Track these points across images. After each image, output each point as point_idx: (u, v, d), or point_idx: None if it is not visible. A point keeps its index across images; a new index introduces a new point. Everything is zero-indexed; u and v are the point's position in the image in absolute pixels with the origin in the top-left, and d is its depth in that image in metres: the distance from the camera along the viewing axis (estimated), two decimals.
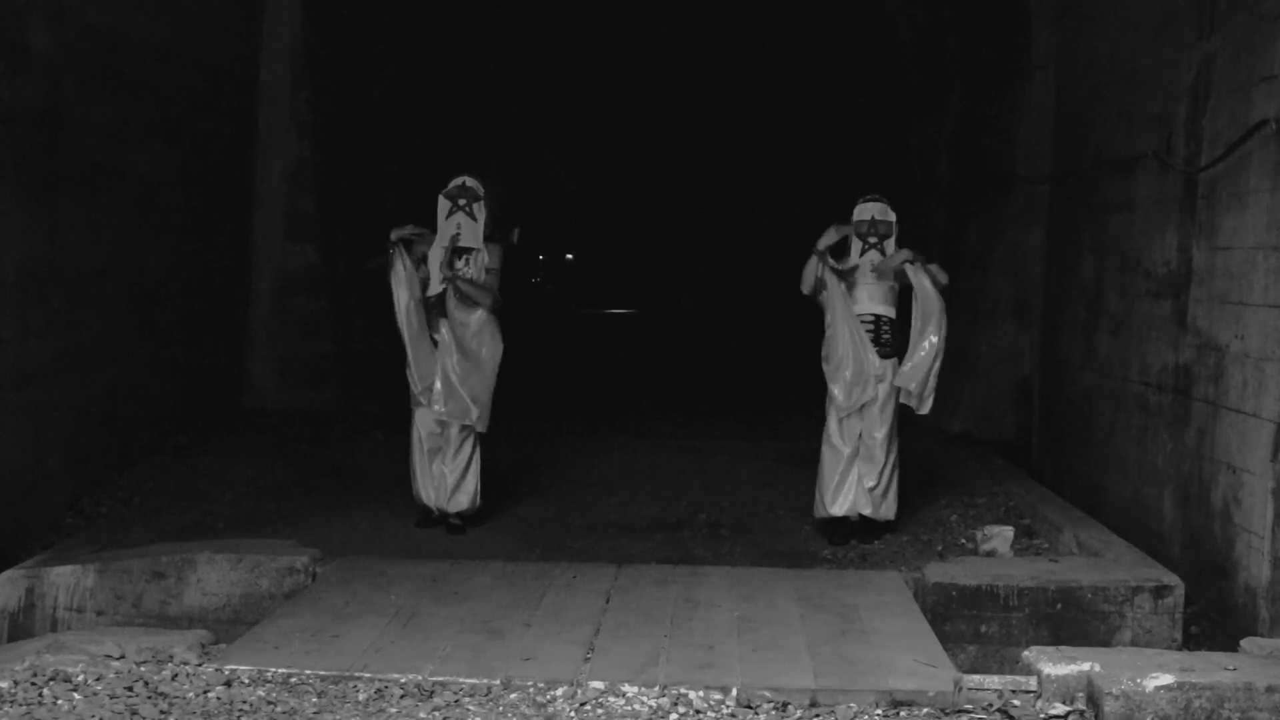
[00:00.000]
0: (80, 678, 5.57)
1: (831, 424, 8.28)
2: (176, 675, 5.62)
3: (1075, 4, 10.28)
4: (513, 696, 5.47)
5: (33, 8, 7.72)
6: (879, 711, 5.41)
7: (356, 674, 5.62)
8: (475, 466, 8.45)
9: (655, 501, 9.49)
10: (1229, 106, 7.22)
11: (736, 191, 25.45)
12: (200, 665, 5.73)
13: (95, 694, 5.42)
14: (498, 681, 5.57)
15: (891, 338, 8.22)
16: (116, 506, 8.46)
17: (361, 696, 5.45)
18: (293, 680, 5.60)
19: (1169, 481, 7.86)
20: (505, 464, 9.79)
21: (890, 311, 8.23)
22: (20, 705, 5.27)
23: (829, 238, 8.19)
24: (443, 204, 8.34)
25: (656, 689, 5.53)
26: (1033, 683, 5.55)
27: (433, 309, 8.28)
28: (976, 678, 5.65)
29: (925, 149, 13.94)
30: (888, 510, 8.30)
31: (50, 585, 6.89)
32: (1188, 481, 7.58)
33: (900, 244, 8.26)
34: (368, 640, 6.04)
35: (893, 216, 8.25)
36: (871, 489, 8.22)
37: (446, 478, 8.41)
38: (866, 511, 8.25)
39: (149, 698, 5.38)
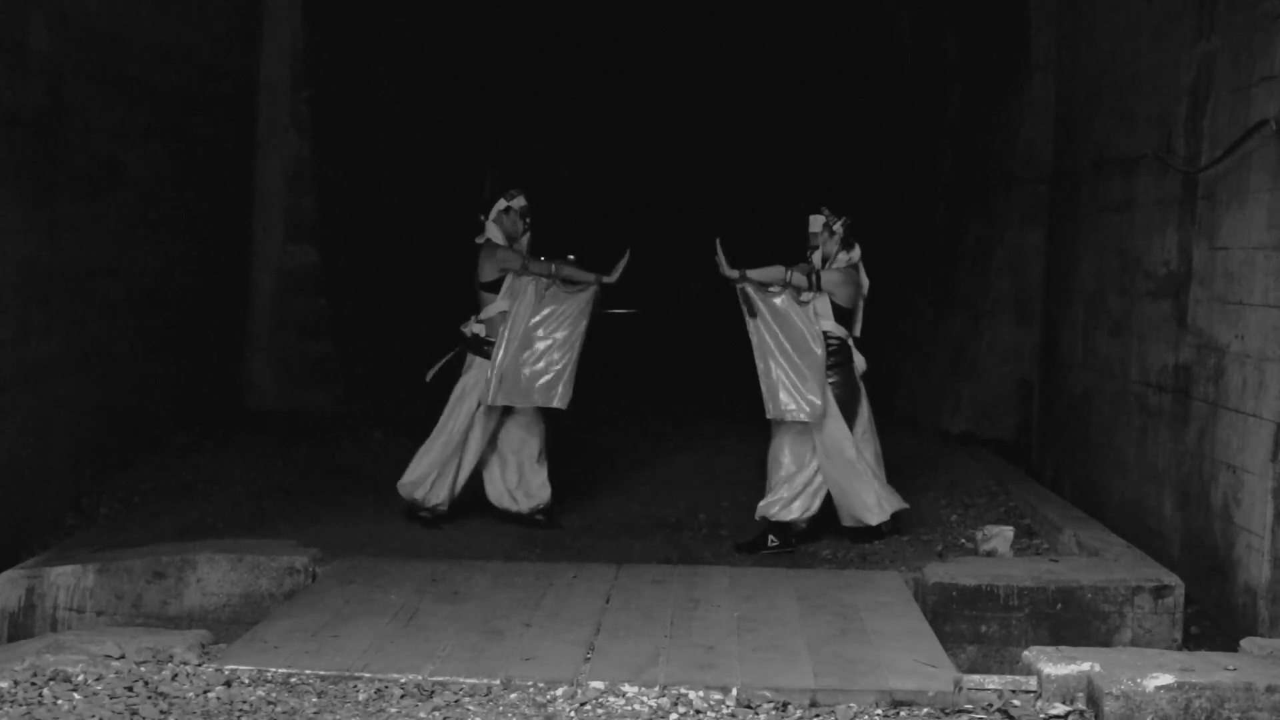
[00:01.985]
0: (80, 678, 5.57)
1: None
2: (176, 675, 5.62)
3: (1075, 4, 10.28)
4: (513, 696, 5.47)
5: (33, 8, 7.72)
6: (879, 711, 5.41)
7: (356, 674, 5.62)
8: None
9: (655, 501, 9.49)
10: (1229, 106, 7.22)
11: (736, 191, 25.44)
12: (200, 665, 5.72)
13: (95, 694, 5.42)
14: (498, 681, 5.58)
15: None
16: (116, 506, 8.46)
17: (361, 696, 5.45)
18: (293, 680, 5.60)
19: (1169, 481, 7.86)
20: None
21: (824, 325, 8.07)
22: (20, 705, 5.27)
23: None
24: (513, 220, 8.39)
25: (656, 689, 5.53)
26: (1033, 683, 5.55)
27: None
28: (976, 678, 5.65)
29: (925, 149, 13.94)
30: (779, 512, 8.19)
31: (50, 585, 6.89)
32: (1188, 481, 7.58)
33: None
34: (368, 640, 6.04)
35: (817, 226, 8.18)
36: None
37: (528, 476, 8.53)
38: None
39: (149, 698, 5.38)
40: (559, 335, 8.26)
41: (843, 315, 8.11)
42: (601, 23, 19.63)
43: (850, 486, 8.10)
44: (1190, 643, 6.82)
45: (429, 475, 8.45)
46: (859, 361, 8.19)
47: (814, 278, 8.04)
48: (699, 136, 25.36)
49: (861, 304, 8.25)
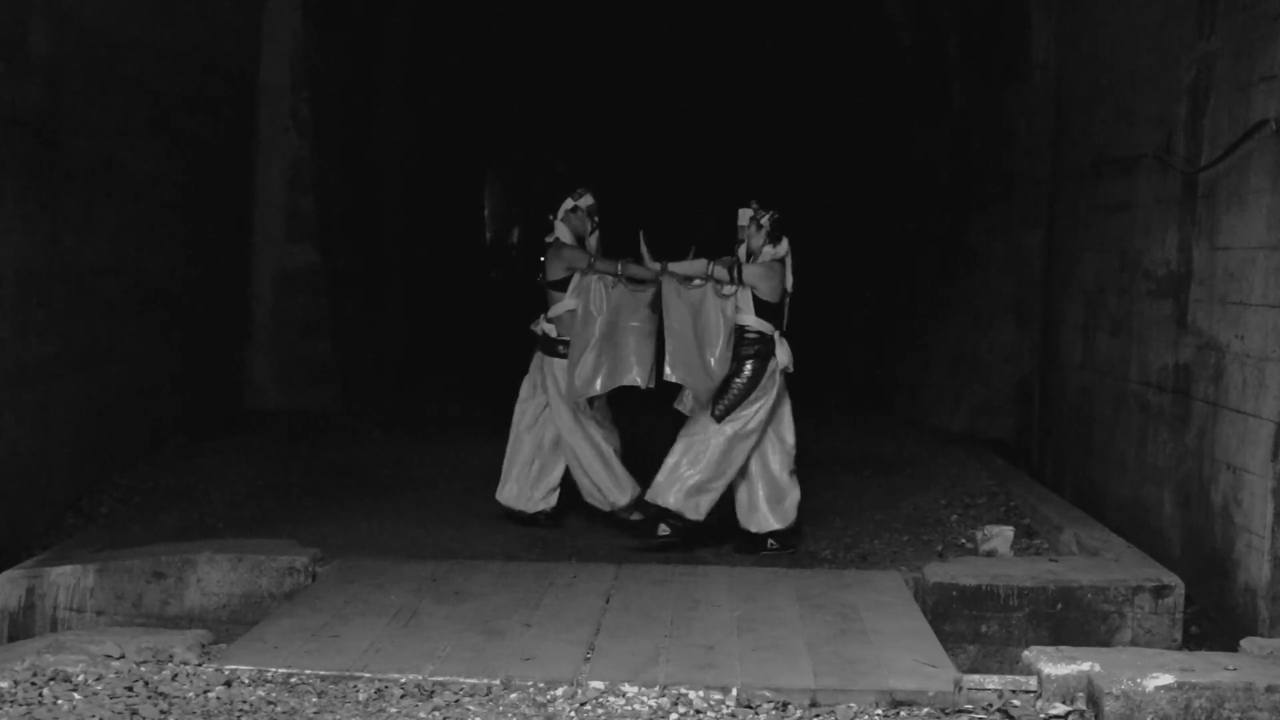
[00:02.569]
0: (80, 678, 5.57)
1: None
2: (176, 675, 5.62)
3: (1074, 4, 10.28)
4: (513, 696, 5.47)
5: (33, 8, 7.72)
6: (879, 711, 5.41)
7: (356, 674, 5.62)
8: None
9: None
10: (1229, 106, 7.22)
11: (735, 193, 25.43)
12: (200, 665, 5.73)
13: (95, 694, 5.42)
14: (498, 681, 5.58)
15: (739, 348, 7.99)
16: (116, 506, 8.47)
17: (361, 696, 5.45)
18: (293, 680, 5.60)
19: (1169, 481, 7.86)
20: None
21: (745, 319, 8.00)
22: (20, 705, 5.27)
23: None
24: (586, 220, 8.44)
25: (656, 689, 5.53)
26: (1033, 683, 5.55)
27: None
28: (976, 678, 5.65)
29: (925, 149, 13.94)
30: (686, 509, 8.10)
31: (50, 585, 6.89)
32: (1188, 481, 7.58)
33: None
34: (368, 640, 6.04)
35: (744, 220, 8.14)
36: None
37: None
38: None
39: (149, 698, 5.39)
40: (635, 324, 8.25)
41: (765, 309, 8.02)
42: (601, 23, 19.64)
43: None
44: (1190, 643, 6.82)
45: (520, 480, 8.53)
46: (782, 357, 8.05)
47: (735, 271, 8.01)
48: (699, 137, 25.37)
49: (787, 300, 8.16)
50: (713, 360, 7.92)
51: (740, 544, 8.20)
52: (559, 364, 8.36)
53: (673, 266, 8.12)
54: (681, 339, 7.95)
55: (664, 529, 8.06)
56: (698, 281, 8.07)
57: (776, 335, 8.06)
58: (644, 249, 8.17)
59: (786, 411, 8.22)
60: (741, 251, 8.11)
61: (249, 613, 6.90)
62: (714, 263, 8.05)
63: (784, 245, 8.12)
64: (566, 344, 8.32)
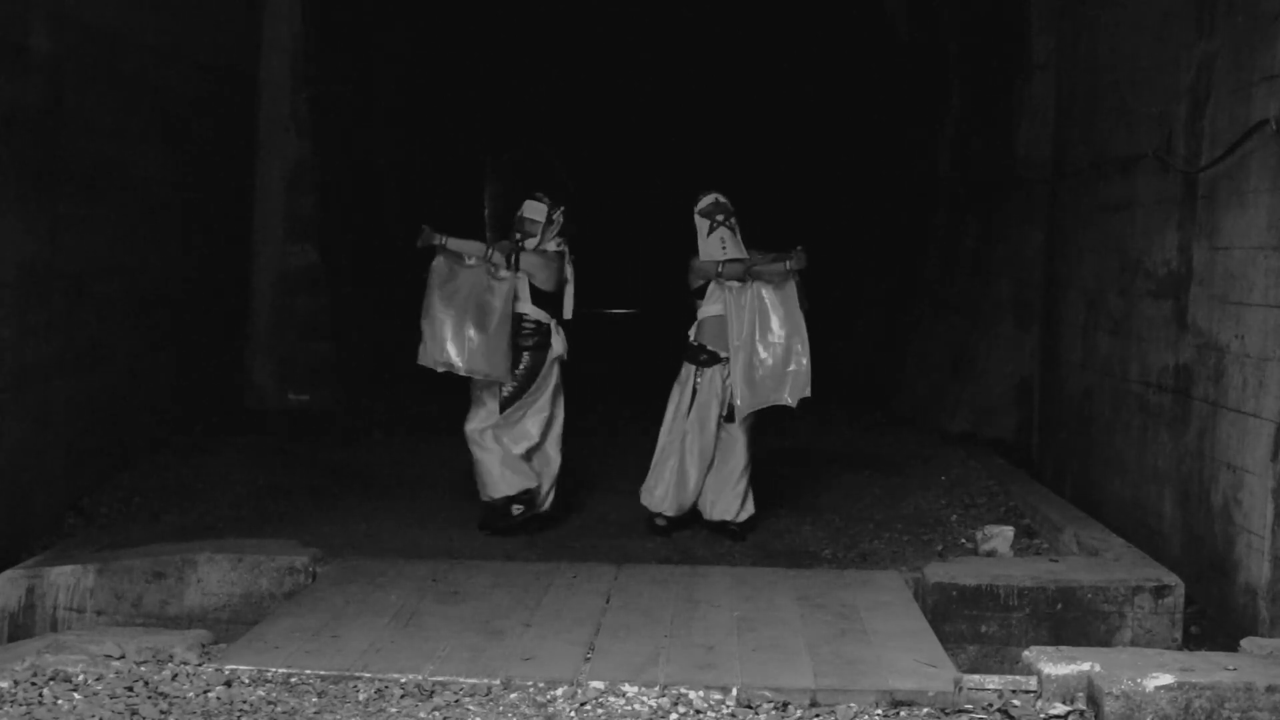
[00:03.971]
0: (80, 678, 5.58)
1: None
2: (176, 675, 5.62)
3: (1075, 4, 10.28)
4: (513, 696, 5.47)
5: (33, 8, 7.72)
6: (879, 711, 5.42)
7: (356, 674, 5.63)
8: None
9: None
10: (1229, 106, 7.22)
11: (735, 193, 25.44)
12: (200, 665, 5.73)
13: (95, 694, 5.42)
14: (498, 681, 5.58)
15: (517, 338, 8.22)
16: (116, 506, 8.47)
17: (361, 696, 5.46)
18: (293, 680, 5.60)
19: (1169, 481, 7.86)
20: None
21: (522, 308, 8.23)
22: (20, 705, 5.28)
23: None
24: (701, 222, 8.40)
25: (656, 689, 5.53)
26: (1033, 683, 5.55)
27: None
28: (976, 678, 5.65)
29: (925, 148, 13.94)
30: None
31: (50, 585, 6.89)
32: (1188, 481, 7.58)
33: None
34: (368, 640, 6.04)
35: (535, 214, 8.29)
36: None
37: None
38: None
39: (149, 698, 5.39)
40: (783, 331, 8.21)
41: (543, 298, 8.21)
42: (600, 25, 19.65)
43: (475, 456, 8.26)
44: (1190, 643, 6.82)
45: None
46: (558, 345, 8.26)
47: (513, 258, 8.14)
48: (698, 137, 25.39)
49: (570, 289, 8.35)
50: (483, 339, 8.04)
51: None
52: (686, 369, 8.45)
53: (451, 243, 8.23)
54: (457, 317, 8.09)
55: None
56: (470, 261, 8.20)
57: (554, 324, 8.26)
58: (426, 225, 8.30)
59: (559, 401, 8.39)
60: (530, 243, 8.26)
61: (249, 613, 6.91)
62: (493, 247, 8.22)
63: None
64: (701, 348, 8.36)
